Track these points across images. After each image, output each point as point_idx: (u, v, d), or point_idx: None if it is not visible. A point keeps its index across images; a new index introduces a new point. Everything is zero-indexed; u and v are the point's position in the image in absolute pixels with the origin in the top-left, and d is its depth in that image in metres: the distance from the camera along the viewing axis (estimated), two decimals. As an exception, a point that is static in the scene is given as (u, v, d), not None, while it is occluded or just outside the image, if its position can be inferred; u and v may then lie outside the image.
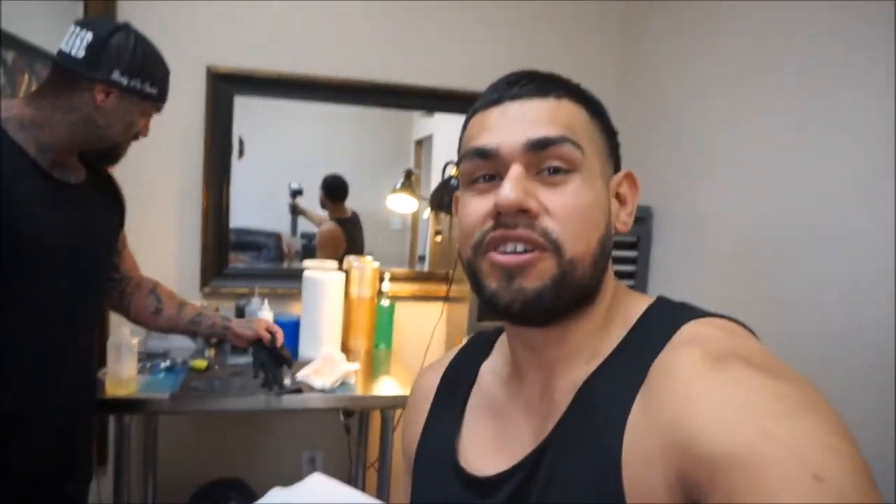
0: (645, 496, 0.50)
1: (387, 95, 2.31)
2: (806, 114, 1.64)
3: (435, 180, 2.46)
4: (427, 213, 2.50)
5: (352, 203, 2.43)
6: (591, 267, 0.59)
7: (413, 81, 2.31)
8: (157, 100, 1.29)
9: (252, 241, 2.35)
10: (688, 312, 0.60)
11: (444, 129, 2.49)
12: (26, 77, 1.97)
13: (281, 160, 2.38)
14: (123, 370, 1.62)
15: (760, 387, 0.48)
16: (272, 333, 1.61)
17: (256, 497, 1.29)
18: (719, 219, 1.94)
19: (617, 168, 0.66)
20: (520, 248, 0.58)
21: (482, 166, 0.61)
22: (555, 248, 0.57)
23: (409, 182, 2.44)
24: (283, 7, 2.18)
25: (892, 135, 1.41)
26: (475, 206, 0.61)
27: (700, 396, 0.49)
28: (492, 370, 0.73)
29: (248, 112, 2.22)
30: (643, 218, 2.26)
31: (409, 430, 0.79)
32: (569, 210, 0.58)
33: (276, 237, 2.41)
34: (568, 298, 0.59)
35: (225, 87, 2.15)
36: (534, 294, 0.58)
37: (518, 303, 0.58)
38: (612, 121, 0.67)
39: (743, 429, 0.45)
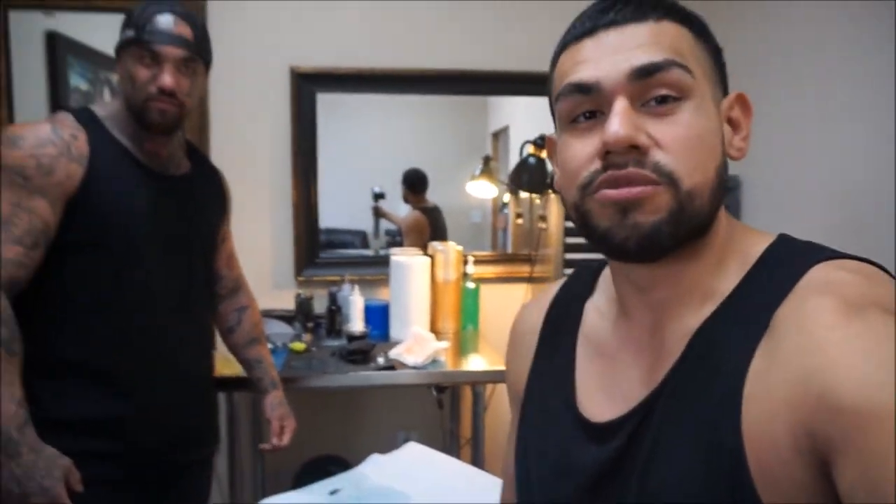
0: (766, 448, 0.48)
1: (461, 82, 2.36)
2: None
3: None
4: (506, 197, 2.53)
5: (432, 195, 2.50)
6: (709, 198, 0.55)
7: (489, 67, 2.34)
8: (138, 39, 1.20)
9: (338, 240, 2.46)
10: (816, 253, 0.55)
11: (520, 119, 2.51)
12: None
13: (362, 159, 2.47)
14: (230, 351, 1.73)
15: None
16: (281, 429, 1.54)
17: (357, 472, 1.36)
18: (811, 188, 1.86)
19: (725, 90, 0.61)
20: (633, 186, 0.54)
21: (582, 102, 0.57)
22: (670, 181, 0.54)
23: (489, 168, 2.48)
24: (357, 6, 2.27)
25: None
26: (579, 148, 0.57)
27: (838, 348, 0.46)
28: (596, 309, 0.70)
29: (331, 112, 2.32)
30: (732, 188, 2.19)
31: (515, 367, 0.78)
32: (682, 141, 0.54)
33: (362, 235, 2.51)
34: (685, 233, 0.55)
35: (307, 85, 2.26)
36: (650, 229, 0.54)
37: (634, 239, 0.54)
38: (715, 39, 0.61)
39: (885, 386, 0.42)
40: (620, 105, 0.54)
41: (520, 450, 0.73)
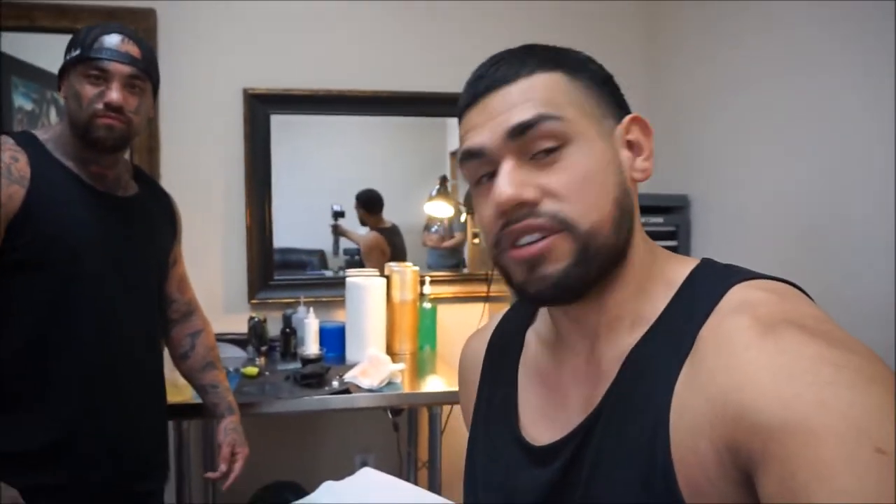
0: (693, 466, 0.50)
1: (416, 104, 2.37)
2: (840, 99, 1.62)
3: (470, 186, 2.50)
4: (464, 216, 2.55)
5: (391, 215, 2.49)
6: (612, 231, 0.58)
7: (440, 89, 2.35)
8: (85, 57, 1.21)
9: (296, 260, 2.43)
10: (735, 275, 0.58)
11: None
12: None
13: (319, 179, 2.44)
14: (180, 377, 1.68)
15: (816, 355, 0.46)
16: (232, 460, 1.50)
17: (311, 498, 1.33)
18: (760, 204, 1.91)
19: (623, 114, 0.63)
20: (534, 237, 0.57)
21: (478, 167, 0.61)
22: (566, 226, 0.57)
23: (445, 188, 2.49)
24: (311, 27, 2.28)
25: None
26: (486, 209, 0.61)
27: (751, 366, 0.48)
28: (537, 336, 0.72)
29: (285, 134, 2.31)
30: (681, 207, 2.24)
31: (464, 398, 0.81)
32: (571, 185, 0.57)
33: (320, 254, 2.48)
34: (596, 269, 0.58)
35: (261, 106, 2.25)
36: (559, 277, 0.57)
37: (547, 290, 0.58)
38: (600, 67, 0.64)
39: (798, 399, 0.45)
40: (506, 167, 0.59)
41: (468, 478, 0.74)
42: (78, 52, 1.22)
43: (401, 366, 1.92)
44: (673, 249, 2.29)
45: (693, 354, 0.54)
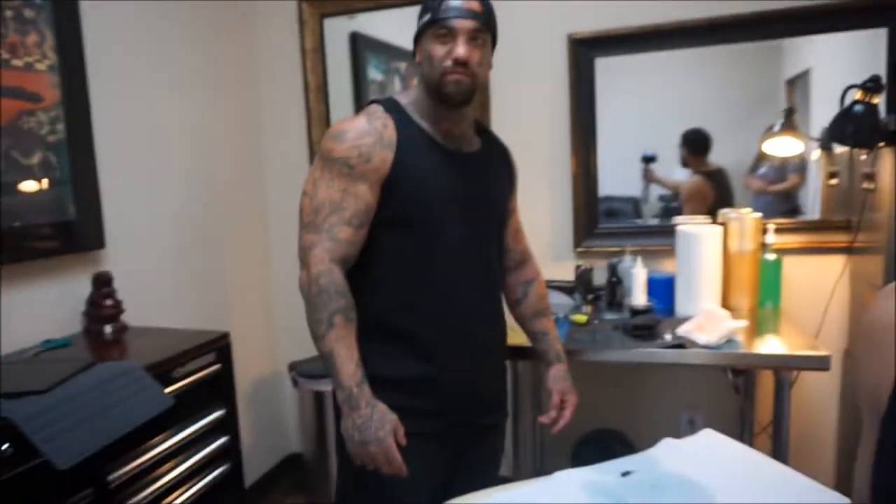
0: None
1: (752, 27, 2.09)
2: None
3: (816, 121, 2.14)
4: (815, 154, 2.19)
5: (716, 157, 2.26)
6: None
7: (783, 4, 2.02)
8: (435, 21, 1.29)
9: (609, 208, 2.37)
10: None
11: (827, 60, 2.12)
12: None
13: (637, 122, 2.32)
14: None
15: None
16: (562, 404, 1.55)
17: (636, 449, 1.28)
18: None
19: None
20: None
21: None
22: None
23: (791, 121, 2.16)
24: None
25: None
26: None
27: None
28: None
29: (609, 79, 2.23)
30: None
31: (873, 373, 0.67)
32: None
33: (634, 202, 2.38)
34: None
35: (585, 50, 2.20)
36: None
37: None
38: None
39: None
40: None
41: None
42: (428, 16, 1.31)
43: (743, 322, 1.74)
44: None
45: None
